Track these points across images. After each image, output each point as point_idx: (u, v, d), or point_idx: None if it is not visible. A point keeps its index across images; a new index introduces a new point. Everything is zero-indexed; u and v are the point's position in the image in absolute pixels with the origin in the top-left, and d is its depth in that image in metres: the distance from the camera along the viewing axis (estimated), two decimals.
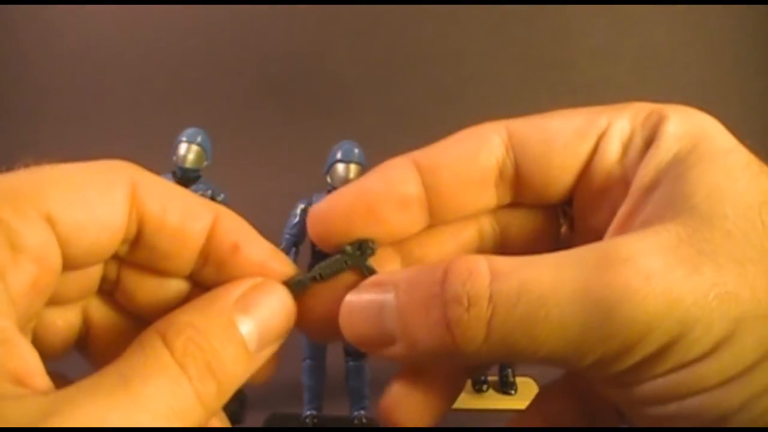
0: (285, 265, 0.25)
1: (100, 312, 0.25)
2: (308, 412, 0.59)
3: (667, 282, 0.20)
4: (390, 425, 0.25)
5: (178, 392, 0.19)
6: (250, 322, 0.22)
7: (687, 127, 0.24)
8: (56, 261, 0.21)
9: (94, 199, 0.22)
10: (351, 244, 0.25)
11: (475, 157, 0.25)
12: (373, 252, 0.25)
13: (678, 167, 0.23)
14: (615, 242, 0.21)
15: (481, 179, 0.26)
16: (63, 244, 0.21)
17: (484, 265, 0.21)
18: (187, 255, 0.24)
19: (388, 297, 0.23)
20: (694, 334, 0.20)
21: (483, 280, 0.21)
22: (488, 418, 0.60)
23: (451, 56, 1.06)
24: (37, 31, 1.08)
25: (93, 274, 0.24)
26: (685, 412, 0.21)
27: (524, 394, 0.65)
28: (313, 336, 0.27)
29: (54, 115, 1.07)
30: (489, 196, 0.26)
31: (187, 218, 0.24)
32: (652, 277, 0.20)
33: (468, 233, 0.27)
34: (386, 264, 0.26)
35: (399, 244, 0.26)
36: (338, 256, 0.25)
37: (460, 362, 0.25)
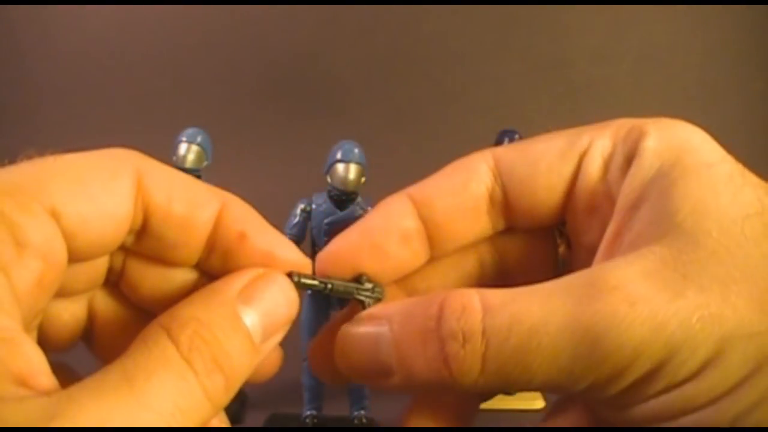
0: (293, 253, 0.24)
1: (105, 304, 0.25)
2: (308, 412, 0.58)
3: (652, 307, 0.20)
4: None
5: (185, 389, 0.19)
6: (254, 313, 0.22)
7: (667, 141, 0.24)
8: (62, 256, 0.21)
9: (99, 190, 0.21)
10: (368, 280, 0.26)
11: (465, 186, 0.26)
12: (379, 299, 0.26)
13: (662, 182, 0.23)
14: (602, 269, 0.22)
15: (474, 207, 0.27)
16: (68, 238, 0.21)
17: (476, 300, 0.22)
18: (193, 244, 0.23)
19: (383, 330, 0.23)
20: (681, 357, 0.20)
21: (476, 315, 0.21)
22: (487, 418, 0.60)
23: (451, 56, 1.06)
24: (36, 31, 1.08)
25: (99, 266, 0.24)
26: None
27: (524, 394, 0.65)
28: (326, 379, 0.28)
29: (53, 115, 1.07)
30: (483, 223, 0.27)
31: (193, 206, 0.23)
32: (637, 303, 0.20)
33: (469, 263, 0.28)
34: (392, 300, 0.26)
35: (403, 280, 0.27)
36: (353, 284, 0.26)
37: (456, 393, 0.26)
